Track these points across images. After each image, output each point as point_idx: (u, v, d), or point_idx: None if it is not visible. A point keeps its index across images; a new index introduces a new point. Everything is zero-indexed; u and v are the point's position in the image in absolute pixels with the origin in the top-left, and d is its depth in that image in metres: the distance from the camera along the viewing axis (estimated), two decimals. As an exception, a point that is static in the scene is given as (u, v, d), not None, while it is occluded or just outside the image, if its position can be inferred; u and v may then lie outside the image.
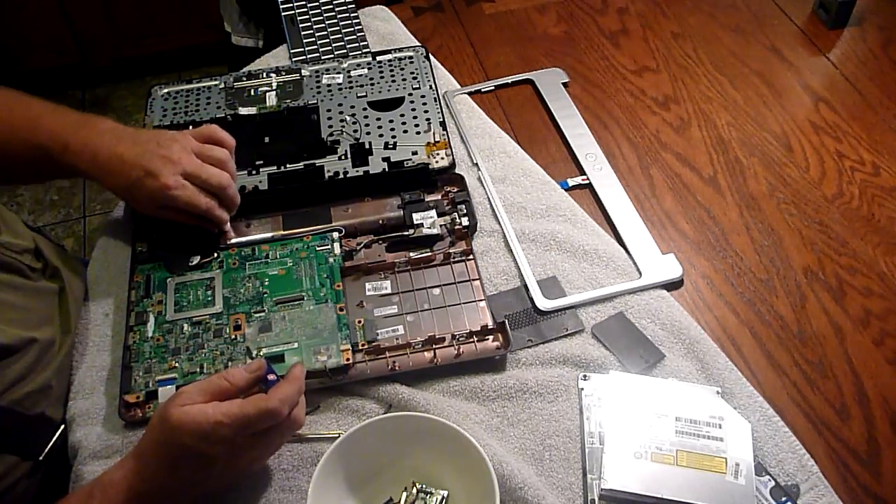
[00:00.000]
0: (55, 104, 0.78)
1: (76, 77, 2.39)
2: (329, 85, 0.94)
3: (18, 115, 0.76)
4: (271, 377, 0.62)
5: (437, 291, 0.77)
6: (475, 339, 0.73)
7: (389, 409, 0.70)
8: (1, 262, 0.72)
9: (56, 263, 0.79)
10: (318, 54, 1.00)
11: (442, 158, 0.86)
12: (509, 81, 1.01)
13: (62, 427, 0.72)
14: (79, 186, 2.19)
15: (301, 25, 1.05)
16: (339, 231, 0.81)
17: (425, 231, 0.81)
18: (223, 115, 0.91)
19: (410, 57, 0.98)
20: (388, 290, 0.77)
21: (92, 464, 0.68)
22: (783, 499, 0.64)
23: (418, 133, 0.88)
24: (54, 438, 0.71)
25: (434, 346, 0.72)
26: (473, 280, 0.78)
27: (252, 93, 0.94)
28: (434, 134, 0.88)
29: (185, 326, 0.74)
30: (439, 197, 0.84)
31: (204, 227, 0.79)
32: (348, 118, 0.90)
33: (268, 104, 0.92)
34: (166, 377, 0.71)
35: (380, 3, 1.11)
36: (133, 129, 0.77)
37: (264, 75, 0.96)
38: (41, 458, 0.70)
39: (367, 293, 0.77)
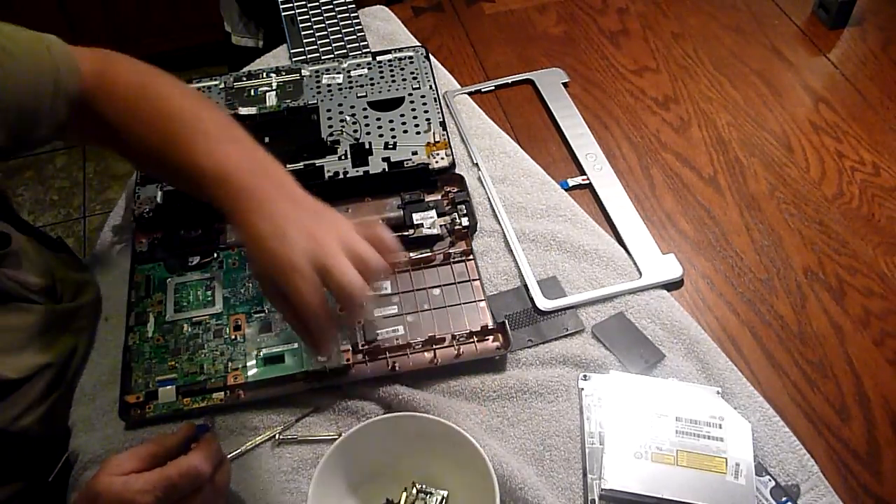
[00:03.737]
0: (232, 130, 0.65)
1: (76, 77, 2.39)
2: (329, 85, 0.94)
3: (180, 125, 0.64)
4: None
5: (437, 291, 0.77)
6: (475, 339, 0.73)
7: (389, 409, 0.70)
8: (17, 296, 0.70)
9: (71, 287, 0.78)
10: (318, 54, 1.00)
11: (442, 158, 0.86)
12: (509, 81, 1.01)
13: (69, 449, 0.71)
14: (79, 186, 2.19)
15: (301, 25, 1.05)
16: (339, 231, 0.81)
17: (425, 231, 0.81)
18: (223, 115, 0.91)
19: (410, 57, 0.98)
20: (388, 290, 0.77)
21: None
22: (783, 499, 0.64)
23: (418, 133, 0.88)
24: (63, 459, 0.70)
25: (434, 347, 0.72)
26: (473, 280, 0.78)
27: (252, 93, 0.94)
28: (434, 134, 0.88)
29: (185, 327, 0.74)
30: (439, 197, 0.84)
31: (204, 239, 0.74)
32: (348, 118, 0.90)
33: (268, 104, 0.92)
34: (166, 377, 0.71)
35: (380, 3, 1.11)
36: (308, 194, 0.64)
37: (264, 75, 0.96)
38: (50, 479, 0.69)
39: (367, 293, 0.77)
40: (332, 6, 1.07)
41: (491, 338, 0.73)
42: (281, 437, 0.69)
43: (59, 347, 0.73)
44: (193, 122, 0.64)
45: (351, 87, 0.94)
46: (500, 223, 0.83)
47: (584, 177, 0.89)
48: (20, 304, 0.71)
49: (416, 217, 0.82)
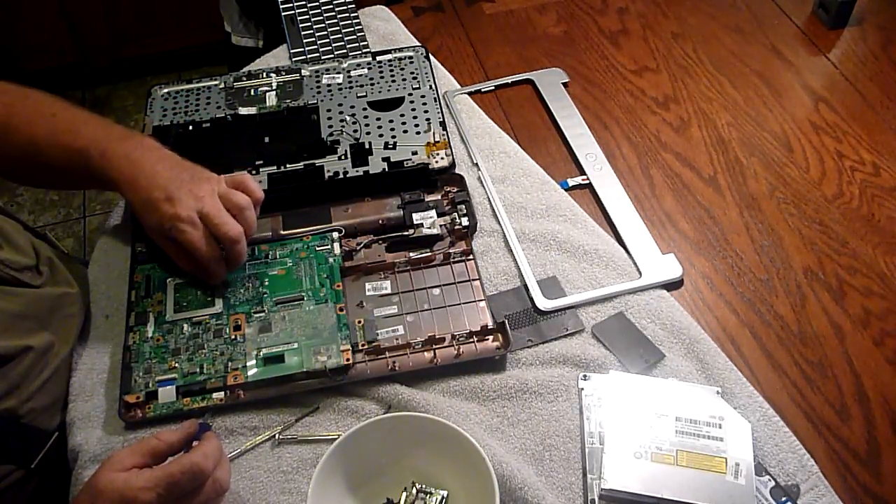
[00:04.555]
0: (98, 116, 0.78)
1: (76, 77, 2.39)
2: (329, 85, 0.94)
3: (62, 119, 0.75)
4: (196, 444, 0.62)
5: (437, 291, 0.77)
6: (475, 339, 0.73)
7: (389, 409, 0.70)
8: (1, 278, 0.71)
9: (58, 272, 0.79)
10: (318, 54, 1.00)
11: (442, 158, 0.86)
12: (509, 81, 1.01)
13: (55, 435, 0.71)
14: (79, 186, 2.19)
15: (301, 25, 1.05)
16: (339, 231, 0.81)
17: (425, 231, 0.81)
18: (223, 115, 0.91)
19: (410, 57, 0.98)
20: (388, 290, 0.77)
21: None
22: (783, 499, 0.64)
23: (418, 133, 0.88)
24: (47, 446, 0.71)
25: (434, 346, 0.72)
26: (473, 280, 0.78)
27: (252, 93, 0.94)
28: (434, 134, 0.88)
29: (185, 327, 0.74)
30: (439, 197, 0.84)
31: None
32: (348, 118, 0.90)
33: (268, 104, 0.92)
34: (166, 377, 0.71)
35: (380, 3, 1.11)
36: (175, 154, 0.76)
37: (264, 75, 0.96)
38: (33, 466, 0.70)
39: (367, 293, 0.77)
40: (332, 6, 1.07)
41: (491, 338, 0.73)
42: (281, 437, 0.69)
43: (42, 332, 0.73)
44: (69, 111, 0.76)
45: (351, 87, 0.94)
46: (499, 223, 0.83)
47: (584, 177, 0.89)
48: (7, 286, 0.71)
49: (416, 217, 0.82)
